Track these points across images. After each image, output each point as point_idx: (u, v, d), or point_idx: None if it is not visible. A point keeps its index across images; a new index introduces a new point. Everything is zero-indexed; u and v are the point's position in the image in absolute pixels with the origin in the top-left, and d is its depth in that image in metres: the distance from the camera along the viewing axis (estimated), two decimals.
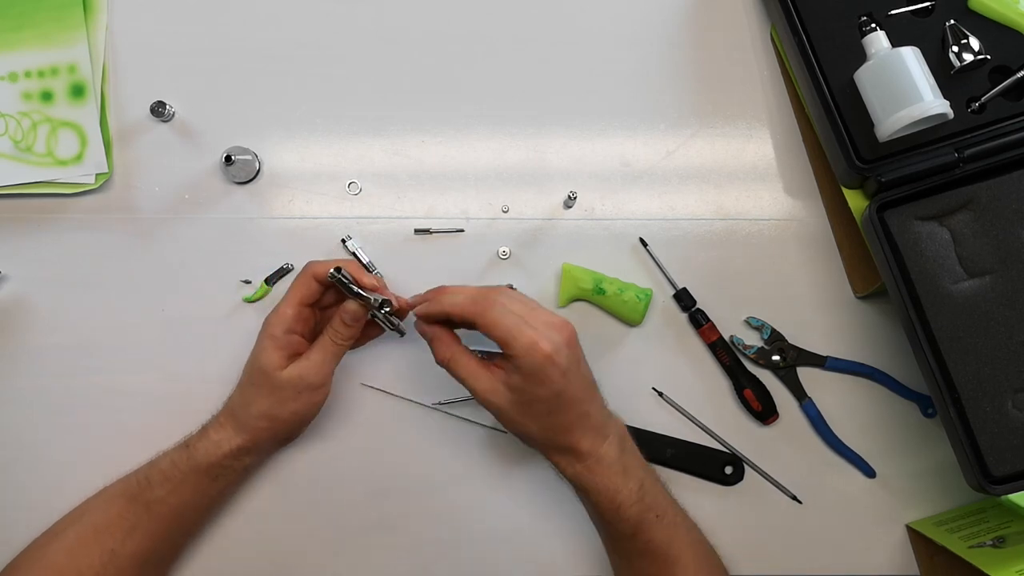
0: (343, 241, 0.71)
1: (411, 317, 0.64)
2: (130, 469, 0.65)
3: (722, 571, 0.65)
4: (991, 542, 0.63)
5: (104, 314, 0.71)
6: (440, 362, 0.61)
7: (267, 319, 0.63)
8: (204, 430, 0.64)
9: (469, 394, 0.68)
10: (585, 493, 0.61)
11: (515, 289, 0.71)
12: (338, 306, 0.63)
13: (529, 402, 0.58)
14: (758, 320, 0.71)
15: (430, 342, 0.62)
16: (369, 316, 0.63)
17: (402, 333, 0.66)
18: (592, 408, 0.59)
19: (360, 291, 0.61)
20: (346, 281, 0.61)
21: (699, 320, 0.71)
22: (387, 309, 0.63)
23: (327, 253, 0.72)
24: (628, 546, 0.61)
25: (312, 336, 0.65)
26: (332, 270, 0.60)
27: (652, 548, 0.60)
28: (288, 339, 0.62)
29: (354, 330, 0.63)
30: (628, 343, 0.72)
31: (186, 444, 0.63)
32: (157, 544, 0.63)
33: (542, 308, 0.59)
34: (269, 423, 0.63)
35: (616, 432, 0.61)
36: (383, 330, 0.66)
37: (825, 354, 0.71)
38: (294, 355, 0.63)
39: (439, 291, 0.63)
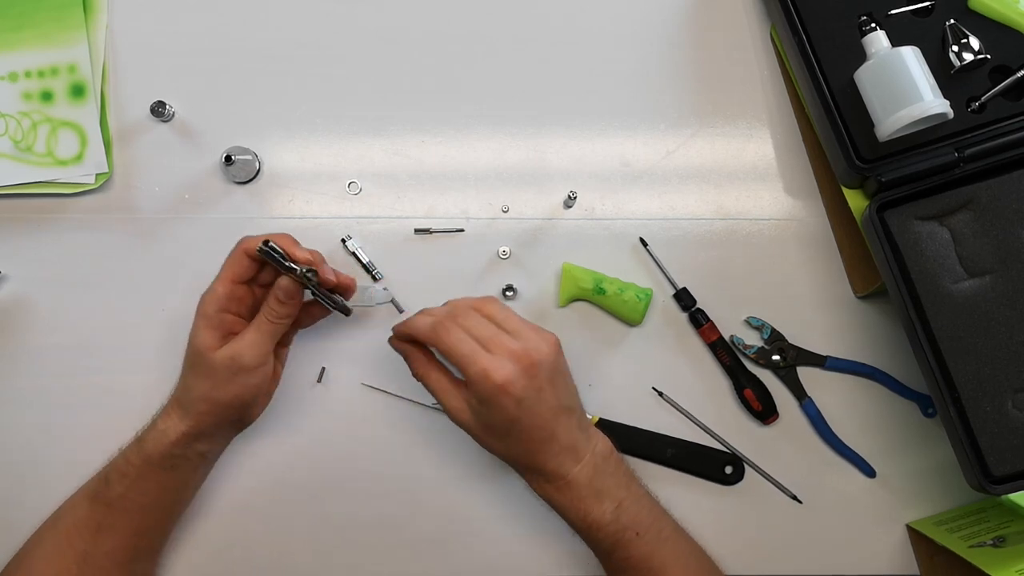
0: (343, 241, 0.71)
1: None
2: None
3: None
4: (991, 542, 0.63)
5: (104, 314, 0.71)
6: (415, 377, 0.62)
7: (201, 298, 0.61)
8: (153, 420, 0.63)
9: None
10: (556, 511, 0.61)
11: (514, 290, 0.71)
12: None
13: (489, 425, 0.58)
14: (758, 320, 0.71)
15: (404, 358, 0.63)
16: (310, 295, 0.61)
17: (347, 313, 0.65)
18: (560, 431, 0.58)
19: (292, 264, 0.59)
20: (276, 255, 0.58)
21: (699, 320, 0.71)
22: (314, 279, 0.60)
23: (327, 253, 0.72)
24: (608, 561, 0.62)
25: (249, 316, 0.62)
26: (261, 243, 0.59)
27: (632, 564, 0.59)
28: (221, 318, 0.60)
29: (289, 308, 0.61)
30: (628, 343, 0.72)
31: (138, 437, 0.62)
32: (130, 540, 0.62)
33: (518, 329, 0.58)
34: (210, 407, 0.60)
35: (594, 452, 0.60)
36: (329, 310, 0.65)
37: (825, 354, 0.71)
38: (228, 335, 0.61)
39: (418, 312, 0.62)
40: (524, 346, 0.57)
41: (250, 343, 0.60)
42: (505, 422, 0.57)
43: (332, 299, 0.63)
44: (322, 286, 0.62)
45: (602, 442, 0.61)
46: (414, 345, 0.63)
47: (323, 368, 0.71)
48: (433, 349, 0.62)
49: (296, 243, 0.62)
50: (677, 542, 0.62)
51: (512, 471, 0.69)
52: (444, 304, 0.62)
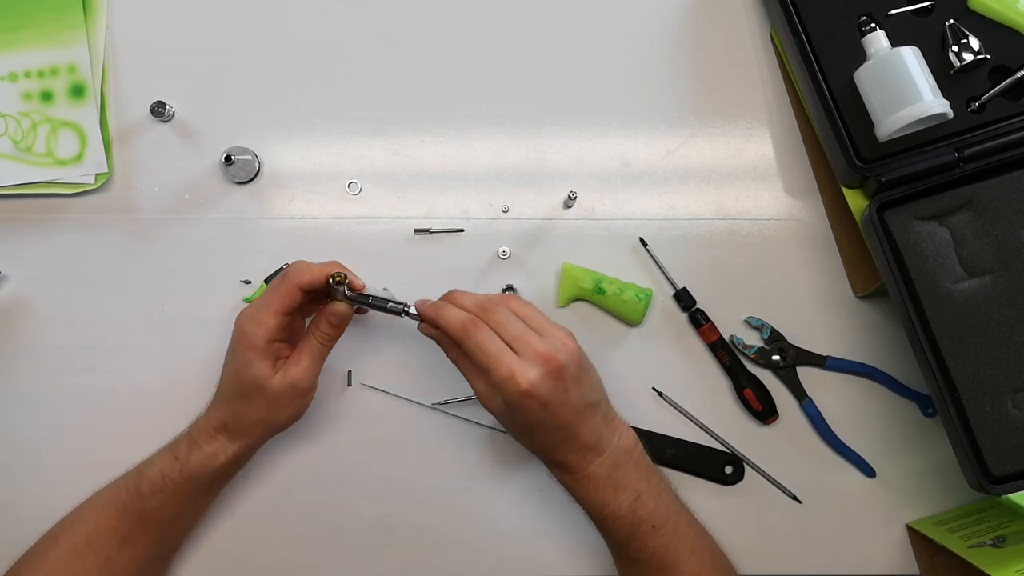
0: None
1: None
2: (130, 469, 0.65)
3: None
4: (991, 542, 0.63)
5: (104, 314, 0.71)
6: (450, 360, 0.62)
7: (244, 329, 0.60)
8: (192, 441, 0.62)
9: (468, 394, 0.68)
10: (576, 501, 0.62)
11: (514, 290, 0.71)
12: (310, 307, 0.63)
13: (513, 422, 0.59)
14: (758, 320, 0.71)
15: (437, 343, 0.62)
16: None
17: (400, 313, 0.64)
18: (583, 430, 0.58)
19: (390, 303, 0.61)
20: (367, 298, 0.60)
21: (699, 320, 0.71)
22: (411, 312, 0.61)
23: (327, 254, 0.72)
24: (622, 552, 0.62)
25: (291, 339, 0.63)
26: (332, 278, 0.59)
27: (646, 556, 0.60)
28: (270, 348, 0.60)
29: (341, 330, 0.62)
30: (628, 343, 0.72)
31: (175, 455, 0.62)
32: (155, 548, 0.64)
33: (543, 327, 0.58)
34: (265, 428, 0.63)
35: (615, 447, 0.60)
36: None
37: (825, 354, 0.71)
38: (277, 360, 0.61)
39: (447, 296, 0.62)
40: (551, 347, 0.56)
41: (306, 368, 0.61)
42: (528, 423, 0.57)
43: (388, 306, 0.62)
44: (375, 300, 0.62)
45: (626, 435, 0.61)
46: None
47: (349, 371, 0.71)
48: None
49: (345, 269, 0.62)
50: (693, 538, 0.62)
51: (512, 470, 0.69)
52: (474, 295, 0.61)
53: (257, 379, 0.60)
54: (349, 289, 0.61)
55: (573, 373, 0.57)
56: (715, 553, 0.64)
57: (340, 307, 0.61)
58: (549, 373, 0.55)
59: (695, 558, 0.61)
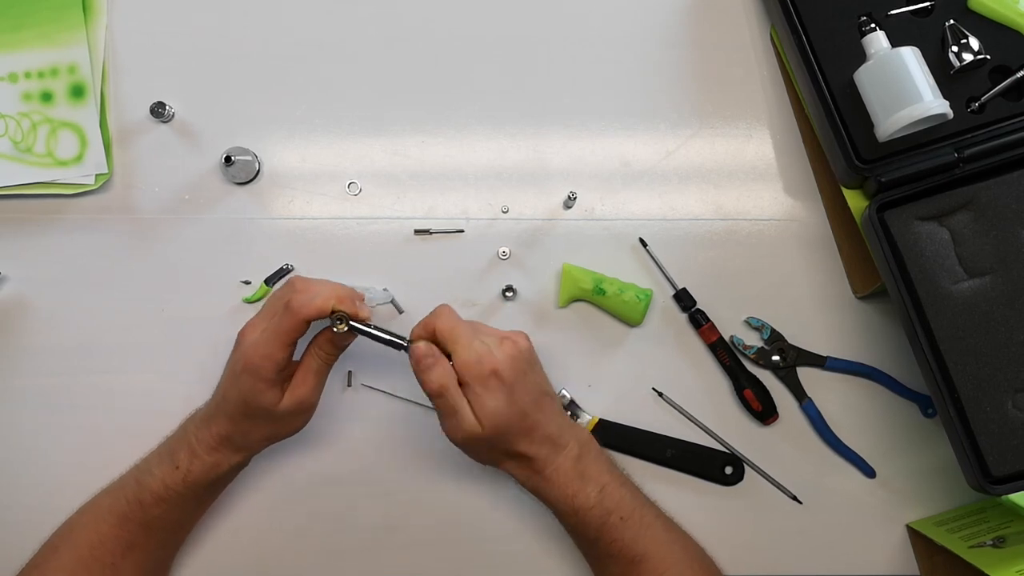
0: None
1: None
2: (125, 475, 0.65)
3: (705, 568, 0.64)
4: (991, 542, 0.63)
5: (104, 314, 0.71)
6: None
7: (253, 361, 0.59)
8: (193, 452, 0.61)
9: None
10: (544, 500, 0.63)
11: (514, 290, 0.71)
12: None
13: (479, 412, 0.59)
14: (758, 320, 0.71)
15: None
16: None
17: (403, 348, 0.64)
18: (544, 417, 0.61)
19: (394, 339, 0.61)
20: (368, 331, 0.61)
21: (699, 320, 0.71)
22: (379, 334, 0.61)
23: (327, 254, 0.72)
24: (594, 550, 0.63)
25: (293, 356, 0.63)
26: (343, 325, 0.60)
27: (617, 549, 0.61)
28: (279, 376, 0.60)
29: (343, 350, 0.63)
30: (628, 343, 0.72)
31: (174, 464, 0.61)
32: (159, 553, 0.65)
33: (487, 328, 0.62)
34: (270, 442, 0.64)
35: (577, 442, 0.62)
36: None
37: (825, 354, 0.71)
38: (284, 381, 0.61)
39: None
40: (505, 334, 0.61)
41: (313, 387, 0.62)
42: (496, 408, 0.58)
43: (389, 339, 0.62)
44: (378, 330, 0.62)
45: (581, 430, 0.65)
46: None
47: (350, 372, 0.71)
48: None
49: (353, 298, 0.61)
50: (663, 531, 0.63)
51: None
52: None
53: (267, 405, 0.60)
54: (352, 320, 0.61)
55: (527, 360, 0.61)
56: (688, 545, 0.65)
57: (343, 333, 0.61)
58: (509, 356, 0.59)
59: (665, 549, 0.62)
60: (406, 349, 0.61)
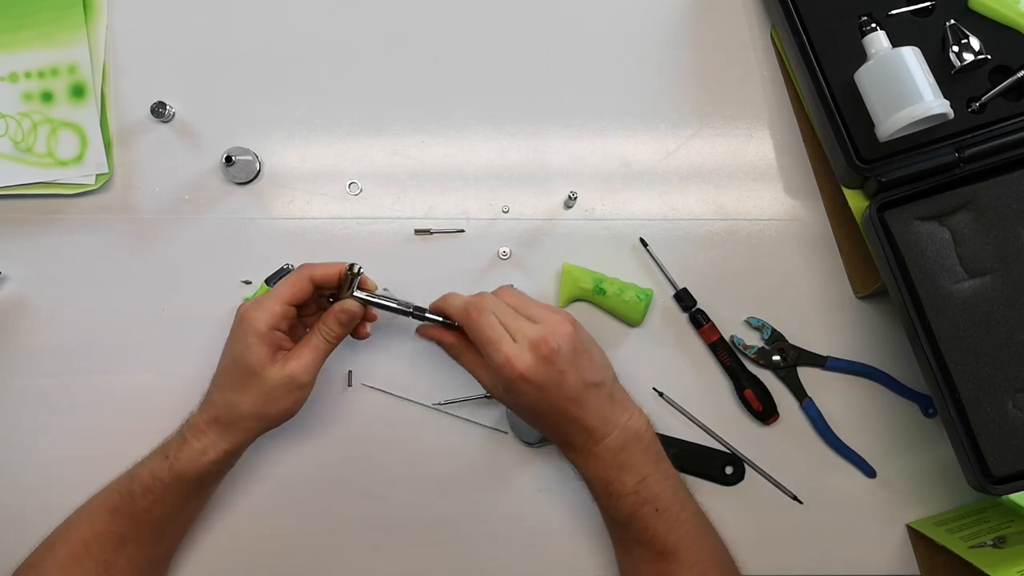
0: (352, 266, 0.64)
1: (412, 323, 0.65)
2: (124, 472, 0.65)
3: (730, 573, 0.64)
4: (991, 542, 0.63)
5: (104, 314, 0.71)
6: (452, 357, 0.64)
7: (246, 315, 0.60)
8: (183, 438, 0.61)
9: (469, 395, 0.68)
10: (581, 477, 0.63)
11: (514, 289, 0.71)
12: (316, 313, 0.64)
13: (515, 404, 0.60)
14: (758, 320, 0.71)
15: (438, 343, 0.64)
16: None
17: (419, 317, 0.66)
18: (585, 410, 0.59)
19: (400, 305, 0.63)
20: (372, 299, 0.62)
21: (699, 320, 0.71)
22: (419, 309, 0.63)
23: (328, 254, 0.72)
24: (624, 533, 0.62)
25: (291, 336, 0.63)
26: (356, 289, 0.61)
27: (647, 537, 0.60)
28: (272, 335, 0.60)
29: (347, 330, 0.63)
30: (628, 343, 0.72)
31: (165, 454, 0.61)
32: (152, 548, 0.64)
33: (535, 314, 0.59)
34: (257, 422, 0.61)
35: (623, 428, 0.60)
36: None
37: (825, 354, 0.71)
38: (277, 351, 0.61)
39: (443, 297, 0.64)
40: (543, 332, 0.57)
41: (308, 363, 0.61)
42: (526, 405, 0.58)
43: (395, 306, 0.64)
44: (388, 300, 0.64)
45: (637, 417, 0.61)
46: (443, 330, 0.64)
47: (350, 371, 0.71)
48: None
49: (365, 277, 0.64)
50: (697, 528, 0.62)
51: (512, 470, 0.69)
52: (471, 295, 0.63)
53: (255, 364, 0.59)
54: (360, 287, 0.61)
55: (567, 356, 0.58)
56: (718, 548, 0.64)
57: (350, 304, 0.62)
58: (543, 358, 0.57)
59: (695, 547, 0.61)
60: (416, 314, 0.63)
